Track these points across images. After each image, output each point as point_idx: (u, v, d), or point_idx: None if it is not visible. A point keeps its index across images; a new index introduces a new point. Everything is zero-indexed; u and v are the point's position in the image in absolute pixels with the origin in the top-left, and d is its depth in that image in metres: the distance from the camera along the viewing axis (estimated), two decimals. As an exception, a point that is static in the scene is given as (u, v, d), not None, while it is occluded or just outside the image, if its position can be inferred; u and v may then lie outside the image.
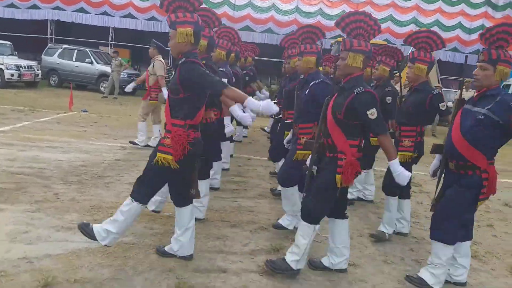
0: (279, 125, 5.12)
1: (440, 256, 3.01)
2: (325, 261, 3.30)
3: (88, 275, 2.90)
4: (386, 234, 4.05)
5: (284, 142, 4.31)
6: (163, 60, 7.10)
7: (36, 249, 3.20)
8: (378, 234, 4.06)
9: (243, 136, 8.97)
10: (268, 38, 19.61)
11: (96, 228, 2.94)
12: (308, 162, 3.16)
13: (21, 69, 14.91)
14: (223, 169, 5.52)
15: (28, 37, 19.07)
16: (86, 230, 2.95)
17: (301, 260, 3.09)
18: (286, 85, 5.12)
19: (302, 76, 4.32)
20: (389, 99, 4.62)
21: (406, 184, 2.98)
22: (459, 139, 2.87)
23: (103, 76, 16.12)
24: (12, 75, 14.62)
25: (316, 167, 3.13)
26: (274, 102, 6.81)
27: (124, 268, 3.06)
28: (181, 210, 3.15)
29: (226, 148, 5.72)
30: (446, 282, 3.19)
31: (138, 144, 7.14)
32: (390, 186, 3.94)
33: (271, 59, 18.35)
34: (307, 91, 3.73)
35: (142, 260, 3.19)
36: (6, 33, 18.60)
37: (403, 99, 4.05)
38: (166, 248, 3.25)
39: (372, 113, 2.83)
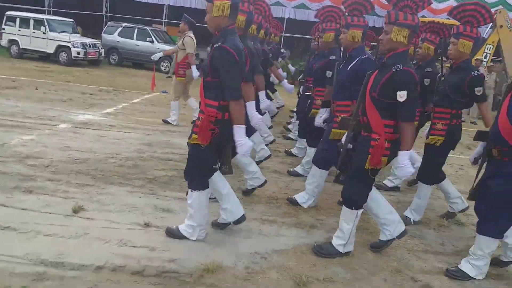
0: (308, 103, 4.95)
1: (484, 249, 2.95)
2: (383, 237, 3.24)
3: (328, 274, 2.91)
4: (411, 220, 3.93)
5: (320, 121, 4.13)
6: (193, 36, 6.88)
7: (261, 245, 3.23)
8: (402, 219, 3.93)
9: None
10: (299, 14, 19.11)
11: (181, 227, 3.12)
12: (343, 140, 3.10)
13: (86, 47, 15.01)
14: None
15: (80, 14, 19.09)
16: (173, 232, 3.14)
17: (348, 243, 3.11)
18: (315, 62, 4.94)
19: (331, 57, 4.38)
20: (427, 81, 4.34)
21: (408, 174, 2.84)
22: (505, 123, 2.71)
23: (167, 57, 16.03)
24: (78, 53, 14.74)
25: (351, 145, 3.04)
26: (301, 80, 6.97)
27: (355, 267, 3.07)
28: (193, 193, 3.06)
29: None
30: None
31: (171, 123, 7.04)
32: (427, 174, 3.83)
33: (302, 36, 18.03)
34: (350, 66, 3.56)
35: (360, 258, 3.19)
36: (61, 10, 18.82)
37: (442, 78, 3.78)
38: (218, 220, 3.32)
39: (402, 95, 2.65)
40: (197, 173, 2.99)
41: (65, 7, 19.15)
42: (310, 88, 5.04)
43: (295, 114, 6.87)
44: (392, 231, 3.17)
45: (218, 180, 3.11)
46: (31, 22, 15.29)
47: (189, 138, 2.94)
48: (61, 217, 3.31)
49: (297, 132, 6.12)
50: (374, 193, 3.14)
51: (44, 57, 15.54)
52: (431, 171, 3.85)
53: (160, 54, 7.50)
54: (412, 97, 2.69)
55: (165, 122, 7.12)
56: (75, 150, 5.05)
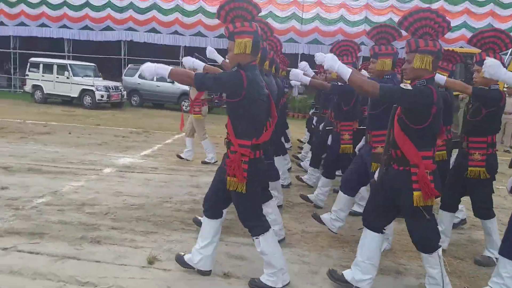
0: (333, 138, 4.83)
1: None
2: (348, 275, 2.97)
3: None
4: (494, 259, 3.55)
5: (356, 149, 4.12)
6: None
7: None
8: (483, 260, 3.66)
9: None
10: (313, 49, 19.31)
11: (264, 278, 2.92)
12: (376, 176, 2.92)
13: (110, 90, 15.24)
14: (283, 186, 5.26)
15: (98, 58, 19.54)
16: (257, 285, 2.94)
17: (445, 285, 2.78)
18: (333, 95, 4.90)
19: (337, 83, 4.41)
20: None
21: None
22: None
23: (184, 95, 16.21)
24: (102, 96, 14.97)
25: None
26: (314, 112, 6.90)
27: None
28: (209, 221, 2.98)
29: (281, 162, 5.36)
30: None
31: (209, 162, 7.00)
32: (481, 208, 3.61)
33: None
34: None
35: None
36: (81, 55, 19.31)
37: (470, 106, 3.61)
38: (185, 258, 3.10)
39: (406, 85, 2.56)
40: (254, 217, 2.86)
41: (84, 52, 19.69)
42: (332, 123, 4.96)
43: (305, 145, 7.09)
44: (358, 280, 2.91)
45: (217, 227, 3.04)
46: (55, 67, 15.66)
47: (228, 187, 2.76)
48: (138, 269, 3.13)
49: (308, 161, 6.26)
50: (379, 239, 2.92)
51: (67, 101, 15.81)
52: (484, 205, 3.62)
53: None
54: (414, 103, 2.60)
55: (204, 163, 7.04)
56: (127, 195, 4.92)
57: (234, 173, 2.68)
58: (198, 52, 7.64)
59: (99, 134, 9.41)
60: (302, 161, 7.22)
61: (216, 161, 6.99)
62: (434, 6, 19.14)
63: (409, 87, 2.57)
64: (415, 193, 2.59)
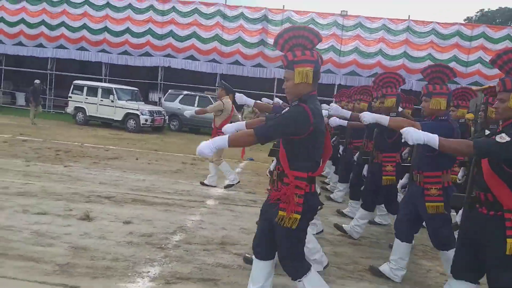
0: (367, 166, 4.80)
1: None
2: None
3: None
4: None
5: (398, 186, 4.07)
6: (229, 101, 6.79)
7: None
8: None
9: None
10: (350, 80, 19.40)
11: None
12: (458, 219, 2.74)
13: (154, 115, 15.11)
14: None
15: (132, 82, 19.53)
16: None
17: None
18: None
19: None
20: None
21: None
22: None
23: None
24: (146, 120, 14.84)
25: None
26: (340, 141, 6.91)
27: None
28: (260, 263, 2.68)
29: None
30: None
31: (233, 184, 6.83)
32: None
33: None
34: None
35: None
36: (115, 78, 19.34)
37: None
38: None
39: (501, 137, 2.36)
40: (299, 256, 2.57)
41: (119, 76, 19.74)
42: (367, 153, 4.90)
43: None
44: None
45: (270, 269, 2.70)
46: (99, 90, 15.60)
47: (278, 220, 2.45)
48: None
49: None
50: None
51: (106, 124, 15.66)
52: None
53: (192, 112, 7.35)
54: None
55: (228, 186, 6.83)
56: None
57: (287, 206, 2.44)
58: (233, 80, 7.50)
59: (165, 160, 9.13)
60: (332, 192, 6.99)
61: (239, 181, 6.92)
62: (474, 43, 19.36)
63: (506, 138, 2.35)
64: (509, 240, 2.35)
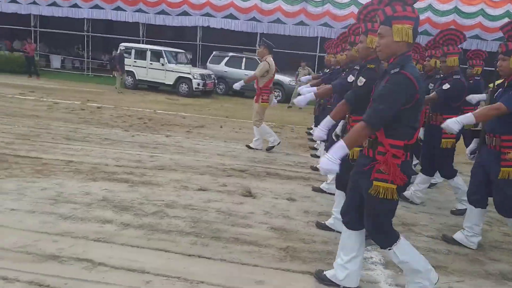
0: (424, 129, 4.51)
1: None
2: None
3: None
4: None
5: (467, 152, 3.84)
6: (271, 61, 6.54)
7: None
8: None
9: None
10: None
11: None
12: None
13: (205, 78, 14.84)
14: None
15: (173, 43, 19.07)
16: None
17: None
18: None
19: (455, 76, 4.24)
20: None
21: None
22: None
23: (275, 84, 15.73)
24: (198, 84, 14.59)
25: None
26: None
27: None
28: (351, 233, 2.63)
29: None
30: None
31: (274, 145, 6.73)
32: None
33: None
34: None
35: None
36: (155, 39, 18.85)
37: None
38: (328, 274, 2.76)
39: None
40: (389, 226, 2.50)
41: (158, 37, 19.25)
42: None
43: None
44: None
45: (361, 238, 2.66)
46: (148, 53, 15.25)
47: (372, 192, 2.36)
48: None
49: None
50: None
51: (153, 87, 15.44)
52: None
53: (242, 83, 6.97)
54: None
55: (269, 149, 6.71)
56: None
57: (390, 177, 2.31)
58: (273, 40, 7.10)
59: (246, 128, 8.98)
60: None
61: (280, 142, 6.86)
62: None
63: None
64: None
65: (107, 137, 6.77)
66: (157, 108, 10.78)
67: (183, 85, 14.72)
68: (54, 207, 3.66)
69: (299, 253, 3.19)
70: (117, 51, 15.57)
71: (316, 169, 5.59)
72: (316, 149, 7.11)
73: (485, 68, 6.03)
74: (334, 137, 3.56)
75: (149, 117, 9.21)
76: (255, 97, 6.76)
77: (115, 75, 14.75)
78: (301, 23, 19.42)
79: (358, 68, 3.38)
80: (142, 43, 18.89)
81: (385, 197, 2.34)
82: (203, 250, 3.09)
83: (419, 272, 2.49)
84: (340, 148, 2.24)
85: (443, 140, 4.24)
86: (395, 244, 2.47)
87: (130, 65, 15.37)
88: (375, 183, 2.35)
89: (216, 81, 15.68)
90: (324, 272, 2.80)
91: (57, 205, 3.70)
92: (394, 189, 2.33)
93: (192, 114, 10.36)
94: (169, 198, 4.13)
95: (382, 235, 2.50)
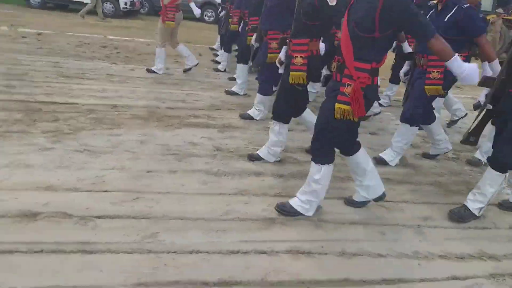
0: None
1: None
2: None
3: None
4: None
5: (401, 73, 3.92)
6: None
7: None
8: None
9: None
10: None
11: (296, 203, 2.65)
12: (481, 99, 3.07)
13: (132, -3, 13.14)
14: None
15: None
16: (285, 209, 2.65)
17: (485, 207, 2.86)
18: None
19: None
20: None
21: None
22: None
23: (207, 4, 14.69)
24: (126, 3, 12.92)
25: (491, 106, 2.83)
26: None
27: None
28: (352, 158, 2.67)
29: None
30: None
31: (156, 72, 6.11)
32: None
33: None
34: (452, 15, 3.29)
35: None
36: None
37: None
38: (356, 198, 2.84)
39: None
40: (333, 146, 2.59)
41: None
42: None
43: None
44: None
45: (362, 155, 2.67)
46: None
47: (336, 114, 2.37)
48: None
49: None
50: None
51: (61, 6, 13.23)
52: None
53: None
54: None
55: (150, 71, 6.13)
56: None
57: (351, 101, 2.32)
58: None
59: (208, 54, 8.39)
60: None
61: (198, 63, 6.42)
62: None
63: None
64: None
65: (106, 72, 5.88)
66: (101, 33, 9.38)
67: (107, 3, 12.84)
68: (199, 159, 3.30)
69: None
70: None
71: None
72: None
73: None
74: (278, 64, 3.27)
75: (114, 45, 8.05)
76: (161, 17, 5.98)
77: None
78: None
79: None
80: None
81: (342, 117, 2.36)
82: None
83: (315, 198, 2.60)
84: (459, 62, 2.21)
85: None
86: (326, 165, 2.54)
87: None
88: (337, 105, 2.35)
89: (141, 0, 14.01)
90: (353, 197, 2.85)
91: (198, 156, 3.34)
92: (351, 111, 2.34)
93: (145, 39, 9.25)
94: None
95: (322, 151, 2.54)
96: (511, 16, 12.82)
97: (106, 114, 4.16)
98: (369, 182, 2.71)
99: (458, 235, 2.69)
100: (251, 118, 4.48)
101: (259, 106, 4.46)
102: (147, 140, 3.60)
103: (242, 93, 5.46)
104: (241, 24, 5.67)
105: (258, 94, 4.40)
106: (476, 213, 2.84)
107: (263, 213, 2.63)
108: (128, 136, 3.64)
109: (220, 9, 8.58)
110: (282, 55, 3.23)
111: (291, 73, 3.06)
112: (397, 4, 2.19)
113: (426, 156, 4.01)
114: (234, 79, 5.77)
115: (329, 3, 2.81)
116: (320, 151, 2.55)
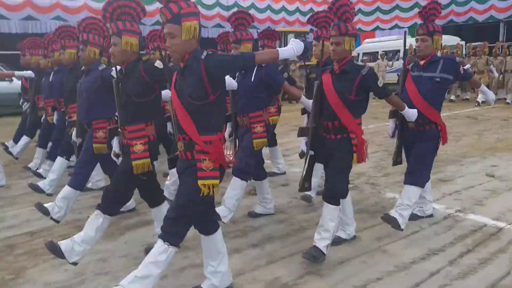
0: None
1: (411, 198, 3.35)
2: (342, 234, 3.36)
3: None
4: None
5: (226, 135, 3.96)
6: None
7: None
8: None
9: None
10: None
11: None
12: (304, 146, 3.70)
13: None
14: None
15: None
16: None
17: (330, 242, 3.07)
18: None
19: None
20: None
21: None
22: (420, 101, 3.32)
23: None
24: None
25: (312, 152, 3.13)
26: None
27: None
28: (209, 238, 2.56)
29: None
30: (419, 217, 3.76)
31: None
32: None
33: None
34: (256, 75, 3.62)
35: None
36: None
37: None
38: (204, 286, 2.59)
39: (380, 82, 3.01)
40: (191, 224, 2.51)
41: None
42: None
43: None
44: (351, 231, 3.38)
45: (220, 234, 2.64)
46: None
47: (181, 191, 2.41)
48: None
49: None
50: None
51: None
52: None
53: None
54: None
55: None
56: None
57: (211, 174, 2.35)
58: None
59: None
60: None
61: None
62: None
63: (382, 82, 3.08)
64: (354, 155, 3.08)
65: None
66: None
67: None
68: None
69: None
70: None
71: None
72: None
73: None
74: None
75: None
76: None
77: None
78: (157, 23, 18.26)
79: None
80: None
81: (208, 192, 2.31)
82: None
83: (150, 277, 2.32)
84: None
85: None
86: (173, 246, 2.35)
87: None
88: (200, 182, 2.29)
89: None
90: (201, 286, 2.61)
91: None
92: (217, 183, 2.34)
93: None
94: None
95: (173, 227, 2.35)
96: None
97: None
98: (222, 268, 2.60)
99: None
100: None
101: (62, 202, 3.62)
102: None
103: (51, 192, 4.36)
104: (55, 115, 5.19)
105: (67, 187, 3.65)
106: (325, 251, 3.01)
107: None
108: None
109: (22, 101, 7.01)
110: (116, 147, 3.11)
111: (133, 162, 2.83)
112: (214, 62, 2.24)
113: (252, 214, 4.01)
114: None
115: (158, 66, 2.72)
116: (177, 228, 2.36)
